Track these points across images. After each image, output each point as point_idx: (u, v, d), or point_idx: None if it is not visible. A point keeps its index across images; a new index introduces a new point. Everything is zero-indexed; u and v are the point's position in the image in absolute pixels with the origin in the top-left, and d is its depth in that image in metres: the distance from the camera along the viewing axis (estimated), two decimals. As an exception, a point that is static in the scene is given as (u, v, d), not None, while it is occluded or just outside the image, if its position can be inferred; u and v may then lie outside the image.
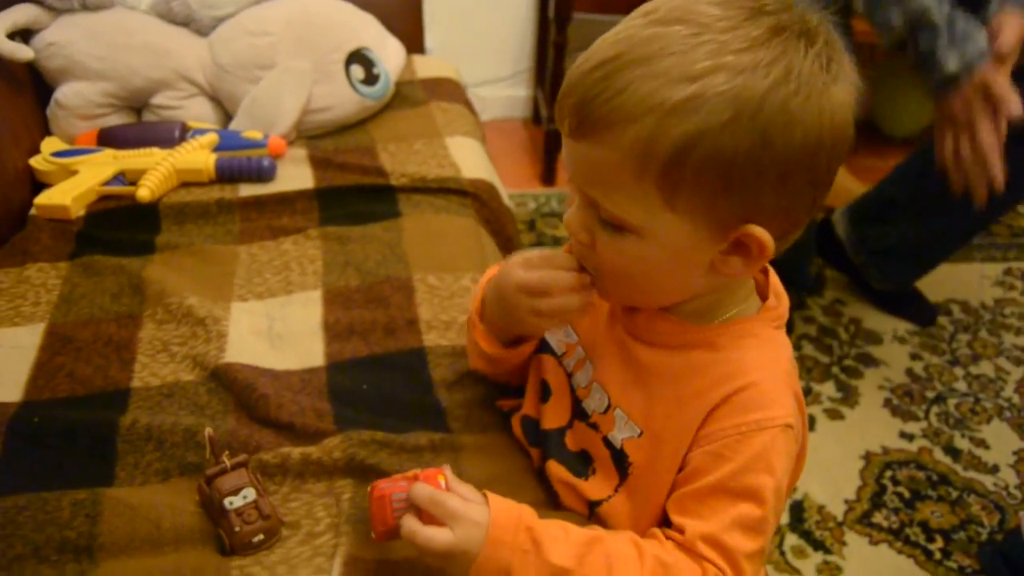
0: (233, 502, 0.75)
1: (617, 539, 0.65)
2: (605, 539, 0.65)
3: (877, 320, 1.85)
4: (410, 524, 0.65)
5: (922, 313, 1.85)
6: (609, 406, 0.73)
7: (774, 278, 0.74)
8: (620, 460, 0.71)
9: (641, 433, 0.70)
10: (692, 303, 0.69)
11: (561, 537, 0.65)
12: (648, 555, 0.63)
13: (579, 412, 0.76)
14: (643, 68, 0.57)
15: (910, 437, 1.56)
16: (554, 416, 0.79)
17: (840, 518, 1.40)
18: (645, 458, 0.70)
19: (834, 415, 1.60)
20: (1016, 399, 1.67)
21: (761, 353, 0.68)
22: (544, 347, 0.82)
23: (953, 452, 1.54)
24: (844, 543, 1.36)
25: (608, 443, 0.72)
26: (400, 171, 1.31)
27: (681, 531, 0.64)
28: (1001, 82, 1.28)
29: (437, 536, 0.63)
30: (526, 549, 0.63)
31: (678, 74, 0.56)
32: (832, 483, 1.46)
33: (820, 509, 1.41)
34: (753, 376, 0.66)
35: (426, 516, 0.65)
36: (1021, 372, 1.74)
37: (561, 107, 0.62)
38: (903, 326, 1.84)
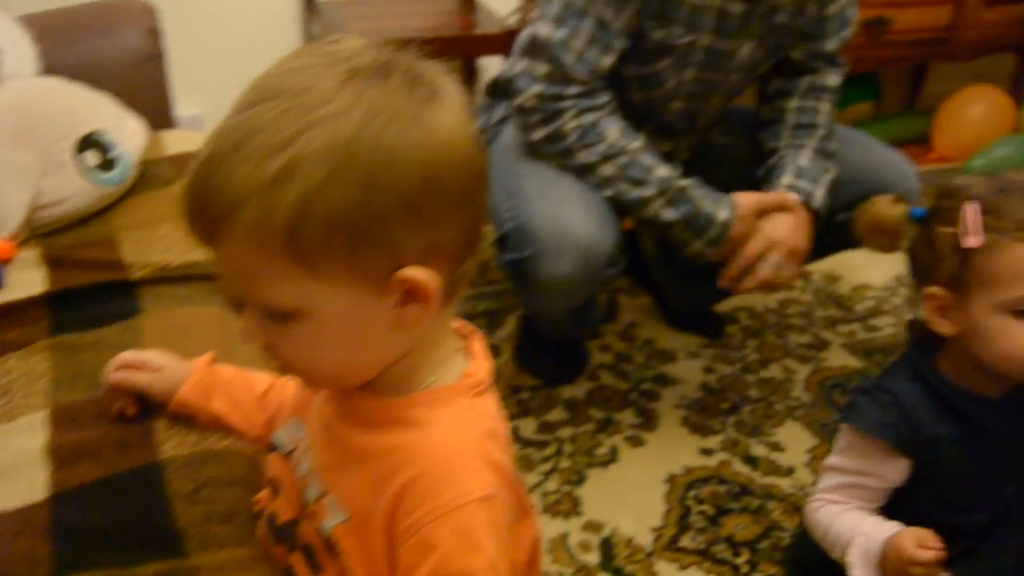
0: None
1: None
2: None
3: (669, 338, 1.88)
4: None
5: (711, 326, 1.90)
6: (323, 493, 0.70)
7: (477, 339, 0.72)
8: (331, 548, 0.68)
9: (349, 517, 0.67)
10: (389, 373, 0.67)
11: None
12: None
13: (303, 503, 0.73)
14: (236, 155, 0.56)
15: (709, 452, 1.59)
16: (286, 510, 0.76)
17: (649, 548, 1.39)
18: (356, 545, 0.67)
19: (636, 442, 1.60)
20: (805, 397, 1.73)
21: (448, 427, 0.66)
22: (274, 446, 0.79)
23: (751, 460, 1.57)
24: (654, 574, 1.35)
25: (321, 532, 0.69)
26: (142, 262, 1.22)
27: None
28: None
29: None
30: None
31: (268, 148, 0.56)
32: (638, 513, 1.45)
33: (629, 542, 1.40)
34: (436, 455, 0.64)
35: None
36: (808, 370, 1.80)
37: (185, 223, 0.60)
38: (695, 340, 1.88)
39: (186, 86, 2.04)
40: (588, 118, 1.36)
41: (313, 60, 0.60)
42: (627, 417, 1.66)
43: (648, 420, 1.65)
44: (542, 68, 1.35)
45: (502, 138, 1.54)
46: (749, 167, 1.57)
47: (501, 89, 1.57)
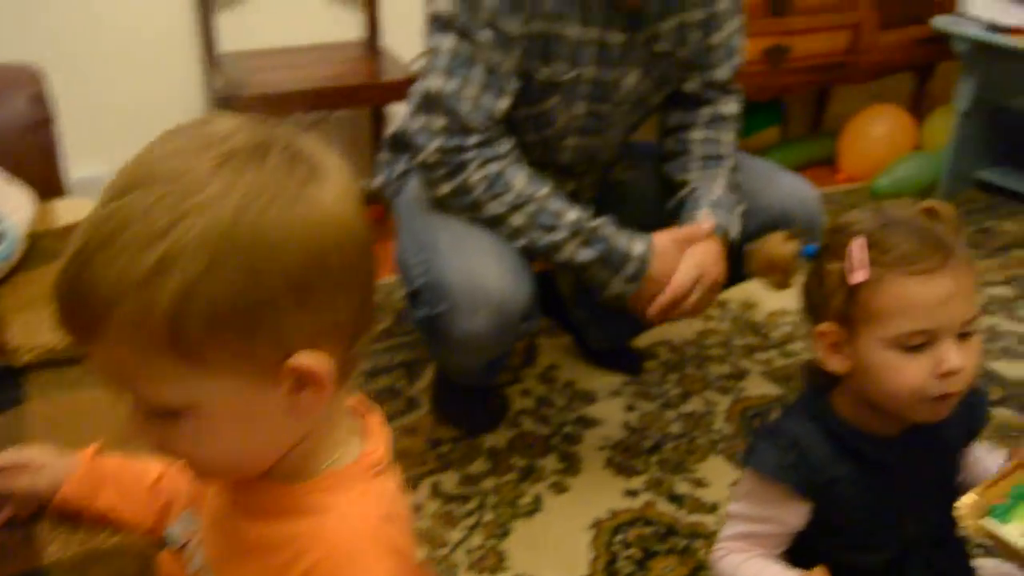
0: None
1: None
2: None
3: (590, 378, 1.87)
4: None
5: (630, 362, 1.89)
6: None
7: (374, 416, 0.71)
8: None
9: None
10: (285, 460, 0.64)
11: None
12: None
13: None
14: (108, 250, 0.53)
15: (634, 493, 1.57)
16: None
17: (576, 599, 1.37)
18: None
19: (560, 488, 1.58)
20: (727, 429, 1.73)
21: (347, 513, 0.64)
22: (165, 540, 0.76)
23: (676, 499, 1.56)
24: (582, 626, 1.33)
25: None
26: (29, 345, 1.16)
27: None
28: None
29: None
30: None
31: (142, 240, 0.53)
32: (565, 563, 1.43)
33: (556, 594, 1.38)
34: (335, 541, 0.62)
35: None
36: (728, 400, 1.81)
37: (57, 321, 0.57)
38: (615, 378, 1.87)
39: (85, 146, 1.99)
40: (493, 168, 1.34)
41: (185, 143, 0.57)
42: (550, 463, 1.64)
43: (571, 465, 1.63)
44: (439, 122, 1.33)
45: (407, 190, 1.52)
46: (657, 201, 1.58)
47: (401, 143, 1.55)
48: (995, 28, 2.46)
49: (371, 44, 2.36)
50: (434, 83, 1.33)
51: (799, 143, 2.96)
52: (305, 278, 0.56)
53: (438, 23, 1.33)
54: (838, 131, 2.91)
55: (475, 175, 1.34)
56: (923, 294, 0.91)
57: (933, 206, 0.97)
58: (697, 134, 1.55)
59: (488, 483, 1.58)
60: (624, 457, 1.66)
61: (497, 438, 1.69)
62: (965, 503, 0.93)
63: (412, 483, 1.55)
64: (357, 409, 0.71)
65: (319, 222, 0.57)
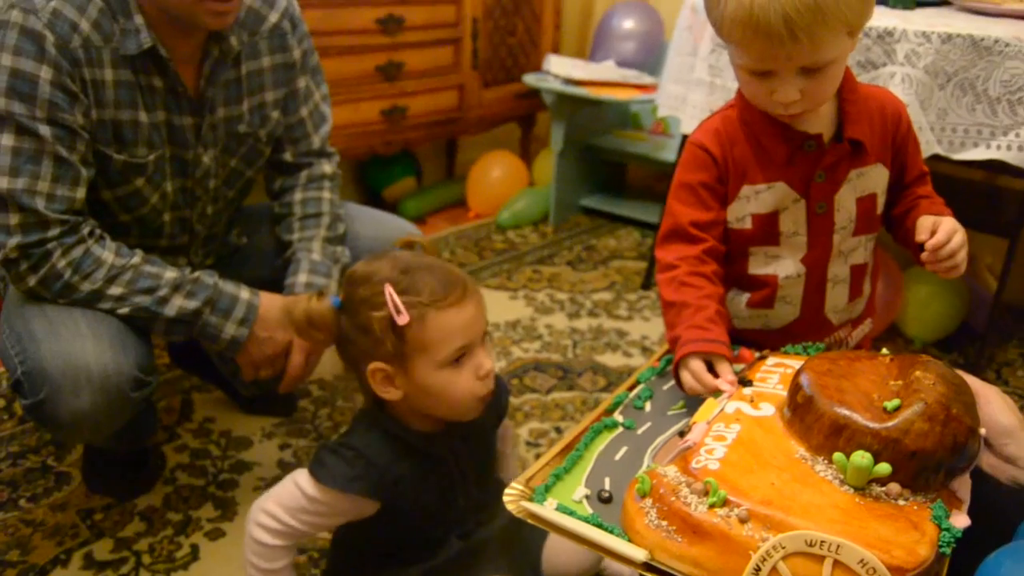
0: None
1: None
2: None
3: (245, 425, 1.82)
4: None
5: (283, 405, 1.86)
6: None
7: None
8: None
9: None
10: None
11: None
12: None
13: None
14: None
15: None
16: None
17: (233, 636, 1.32)
18: None
19: (216, 535, 1.51)
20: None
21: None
22: None
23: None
24: (238, 661, 1.28)
25: None
26: None
27: None
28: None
29: None
30: None
31: None
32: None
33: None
34: None
35: None
36: (376, 425, 1.83)
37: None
38: (270, 421, 1.83)
39: None
40: (77, 251, 1.26)
41: None
42: (206, 512, 1.56)
43: (227, 510, 1.57)
44: (14, 219, 1.22)
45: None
46: (276, 260, 1.57)
47: None
48: (570, 82, 2.72)
49: None
50: (1, 183, 1.21)
51: (434, 189, 3.09)
52: None
53: None
54: (466, 175, 3.08)
55: (60, 262, 1.25)
56: (457, 320, 1.02)
57: (411, 240, 1.11)
58: (298, 195, 1.56)
59: (143, 543, 1.48)
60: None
61: (152, 498, 1.59)
62: (510, 492, 0.94)
63: (64, 559, 1.42)
64: None
65: None
